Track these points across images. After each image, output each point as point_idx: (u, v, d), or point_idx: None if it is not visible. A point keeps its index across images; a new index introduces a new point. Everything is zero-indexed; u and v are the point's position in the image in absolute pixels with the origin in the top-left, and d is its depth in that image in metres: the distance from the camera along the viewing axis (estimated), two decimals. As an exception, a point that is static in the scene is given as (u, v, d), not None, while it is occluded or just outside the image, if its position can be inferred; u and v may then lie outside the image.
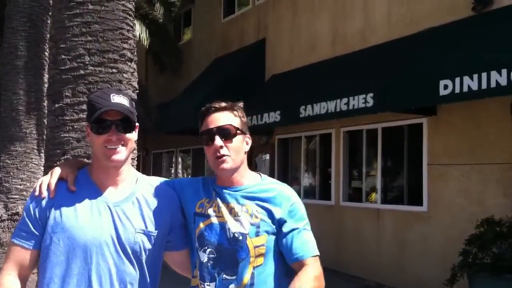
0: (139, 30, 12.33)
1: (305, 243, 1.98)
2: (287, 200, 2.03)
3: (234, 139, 2.00)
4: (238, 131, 2.01)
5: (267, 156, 11.31)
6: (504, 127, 6.56)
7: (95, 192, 1.96)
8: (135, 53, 2.97)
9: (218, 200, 2.02)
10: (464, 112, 7.06)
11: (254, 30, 12.05)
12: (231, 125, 2.00)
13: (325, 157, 9.89)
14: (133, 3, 3.01)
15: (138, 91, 2.96)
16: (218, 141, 1.97)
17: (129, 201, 1.98)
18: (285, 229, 1.99)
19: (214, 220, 2.00)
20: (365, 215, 8.66)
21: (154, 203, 2.02)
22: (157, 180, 2.12)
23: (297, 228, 1.99)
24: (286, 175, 10.92)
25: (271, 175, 10.90)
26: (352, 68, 8.67)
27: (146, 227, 1.97)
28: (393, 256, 8.04)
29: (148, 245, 1.97)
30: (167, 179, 2.20)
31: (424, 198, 7.58)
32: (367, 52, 8.64)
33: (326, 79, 9.00)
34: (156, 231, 1.98)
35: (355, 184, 9.36)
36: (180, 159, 15.93)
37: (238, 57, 12.23)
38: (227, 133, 1.99)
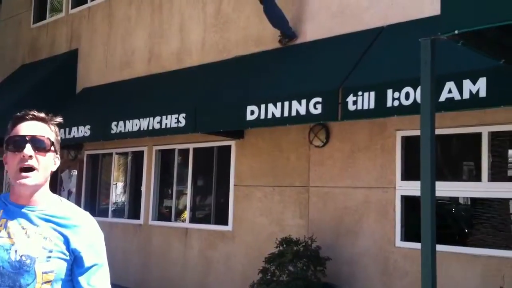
0: None
1: (101, 282, 1.90)
2: (87, 231, 1.92)
3: (47, 154, 1.84)
4: (52, 147, 1.86)
5: (75, 172, 10.77)
6: (303, 153, 7.11)
7: None
8: None
9: (8, 218, 1.83)
10: (269, 137, 7.51)
11: (66, 39, 11.47)
12: (47, 138, 1.85)
13: (136, 175, 9.73)
14: None
15: None
16: (28, 149, 1.79)
17: None
18: (82, 263, 1.88)
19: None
20: (174, 234, 8.68)
21: None
22: None
23: (95, 264, 1.90)
24: (95, 192, 10.50)
25: (79, 192, 10.45)
26: (166, 87, 8.71)
27: None
28: (198, 276, 8.16)
29: None
30: None
31: (229, 217, 7.86)
32: (182, 73, 8.76)
33: (140, 97, 8.91)
34: None
35: (165, 203, 9.35)
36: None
37: (47, 66, 11.50)
38: (40, 144, 1.83)
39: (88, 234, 1.92)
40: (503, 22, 2.91)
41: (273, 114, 6.42)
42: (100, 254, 1.94)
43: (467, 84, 4.84)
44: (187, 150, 8.72)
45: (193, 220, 8.64)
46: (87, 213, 2.00)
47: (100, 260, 1.93)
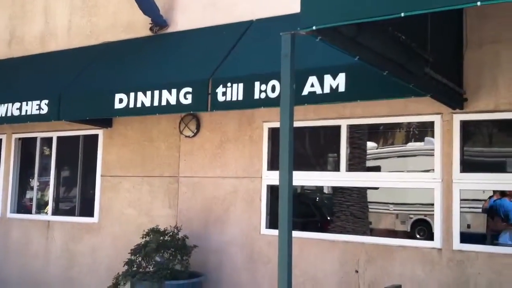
0: None
1: None
2: None
3: None
4: None
5: None
6: (173, 143, 7.06)
7: None
8: None
9: None
10: (139, 126, 7.36)
11: None
12: None
13: (-7, 165, 9.05)
14: None
15: None
16: None
17: None
18: None
19: None
20: (35, 227, 8.21)
21: None
22: None
23: None
24: None
25: None
26: (28, 72, 8.18)
27: None
28: (61, 269, 7.81)
29: None
30: None
31: (95, 209, 7.60)
32: (46, 57, 8.29)
33: (-1, 81, 8.30)
34: None
35: (27, 195, 8.83)
36: None
37: None
38: None
39: None
40: (357, 20, 3.10)
41: (142, 103, 6.29)
42: None
43: (328, 79, 5.10)
44: (51, 138, 8.29)
45: (56, 212, 8.25)
46: None
47: None
